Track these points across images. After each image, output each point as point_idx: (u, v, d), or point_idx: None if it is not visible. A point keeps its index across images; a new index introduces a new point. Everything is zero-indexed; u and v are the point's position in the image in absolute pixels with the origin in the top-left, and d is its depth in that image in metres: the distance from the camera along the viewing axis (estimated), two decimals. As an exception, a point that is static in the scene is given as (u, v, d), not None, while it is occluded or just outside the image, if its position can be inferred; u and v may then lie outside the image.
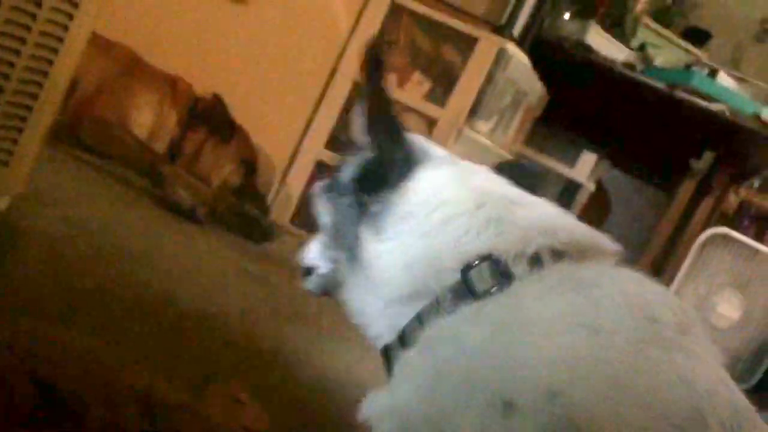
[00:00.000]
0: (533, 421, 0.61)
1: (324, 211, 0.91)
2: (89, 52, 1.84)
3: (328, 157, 2.58)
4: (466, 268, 0.74)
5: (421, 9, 2.51)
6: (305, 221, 2.60)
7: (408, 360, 0.76)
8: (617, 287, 0.70)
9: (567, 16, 3.28)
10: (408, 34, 2.56)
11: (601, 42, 3.04)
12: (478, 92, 2.45)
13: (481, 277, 0.73)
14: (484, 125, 2.57)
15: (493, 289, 0.72)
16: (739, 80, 3.07)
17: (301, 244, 1.05)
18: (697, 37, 4.14)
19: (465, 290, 0.73)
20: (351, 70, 2.56)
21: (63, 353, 1.11)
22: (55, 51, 1.46)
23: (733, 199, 3.56)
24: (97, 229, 1.82)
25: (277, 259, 2.30)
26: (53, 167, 2.09)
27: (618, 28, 3.42)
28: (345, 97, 2.56)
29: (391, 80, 2.56)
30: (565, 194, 3.22)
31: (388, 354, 0.81)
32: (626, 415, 0.59)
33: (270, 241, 2.34)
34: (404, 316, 0.78)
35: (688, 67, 3.01)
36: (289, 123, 2.63)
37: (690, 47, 3.73)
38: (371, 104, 0.83)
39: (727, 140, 2.96)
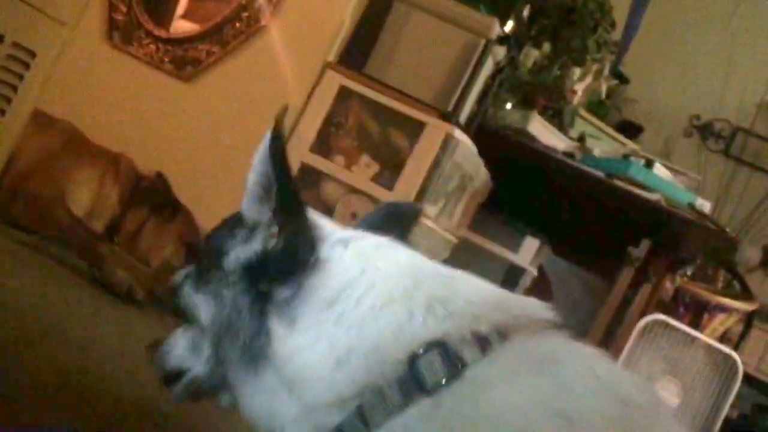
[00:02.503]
0: None
1: (197, 304, 0.80)
2: (29, 128, 1.79)
3: (273, 238, 2.53)
4: (413, 358, 0.65)
5: (370, 93, 2.55)
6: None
7: None
8: (582, 365, 0.65)
9: (509, 105, 3.38)
10: (357, 117, 2.58)
11: (542, 131, 3.14)
12: (425, 176, 2.47)
13: (432, 368, 0.64)
14: (430, 209, 2.58)
15: (445, 380, 0.63)
16: (673, 171, 3.20)
17: (155, 341, 0.92)
18: (630, 130, 4.35)
19: (415, 382, 0.64)
20: (298, 150, 2.56)
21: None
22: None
23: (668, 287, 3.64)
24: (25, 309, 1.72)
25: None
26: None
27: (557, 118, 3.55)
28: (292, 179, 2.55)
29: (339, 162, 2.56)
30: (509, 279, 3.24)
31: None
32: None
33: (210, 325, 2.25)
34: (335, 415, 0.67)
35: (625, 157, 3.12)
36: (233, 204, 2.57)
37: (623, 139, 3.89)
38: (282, 184, 0.76)
39: (664, 229, 3.05)
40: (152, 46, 2.60)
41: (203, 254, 0.83)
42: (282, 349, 0.71)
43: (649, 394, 0.66)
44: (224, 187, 2.59)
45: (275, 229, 0.75)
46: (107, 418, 1.41)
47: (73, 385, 1.47)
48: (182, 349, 0.84)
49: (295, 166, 2.55)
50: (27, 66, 1.40)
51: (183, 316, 0.85)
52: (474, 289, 0.71)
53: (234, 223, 0.81)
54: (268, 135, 0.75)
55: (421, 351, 0.65)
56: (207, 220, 2.49)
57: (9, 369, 1.39)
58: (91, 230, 2.21)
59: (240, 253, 0.77)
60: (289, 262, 0.73)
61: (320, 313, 0.70)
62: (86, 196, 2.27)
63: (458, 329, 0.66)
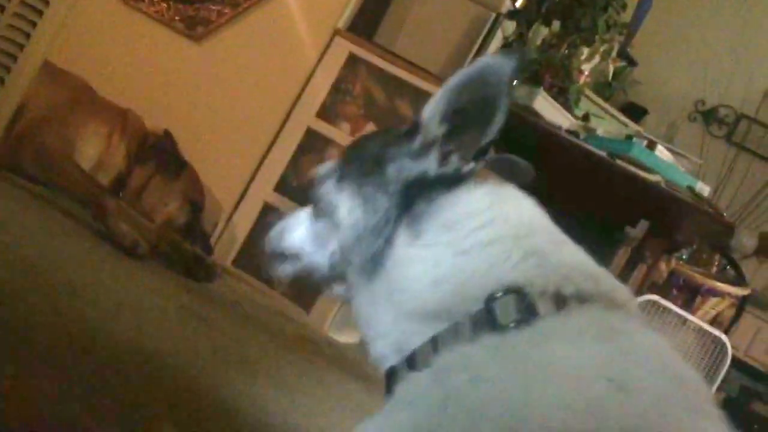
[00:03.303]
0: None
1: (340, 201, 0.81)
2: (39, 79, 1.81)
3: (276, 200, 2.56)
4: (491, 298, 0.68)
5: (378, 62, 2.56)
6: (248, 263, 2.57)
7: (416, 383, 0.69)
8: (647, 339, 0.67)
9: (516, 81, 3.39)
10: (364, 85, 2.60)
11: (547, 108, 3.15)
12: (429, 147, 2.49)
13: (505, 310, 0.67)
14: (432, 180, 2.61)
15: (517, 323, 0.66)
16: (675, 154, 3.21)
17: (274, 218, 0.93)
18: (635, 112, 4.36)
19: (487, 320, 0.68)
20: (305, 115, 2.58)
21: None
22: (6, 69, 1.43)
23: (663, 269, 3.68)
24: (30, 258, 1.75)
25: (218, 300, 2.25)
26: (-9, 192, 2.01)
27: (562, 97, 3.56)
28: (297, 142, 2.57)
29: (344, 129, 2.58)
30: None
31: (392, 376, 0.74)
32: None
33: (211, 281, 2.29)
34: (416, 335, 0.71)
35: (628, 137, 3.13)
36: (239, 163, 2.61)
37: (627, 121, 3.90)
38: (503, 115, 0.72)
39: (662, 211, 3.07)
40: (163, 4, 2.61)
41: (357, 156, 0.82)
42: (399, 257, 0.75)
43: (702, 379, 0.67)
44: (230, 146, 2.62)
45: (467, 154, 0.75)
46: (106, 367, 1.45)
47: (73, 333, 1.50)
48: (304, 236, 0.86)
49: (300, 131, 2.57)
50: (40, 14, 1.41)
51: (315, 206, 0.86)
52: (574, 256, 0.74)
53: (400, 133, 0.80)
54: (507, 59, 0.71)
55: (499, 294, 0.68)
56: (211, 178, 2.52)
57: (12, 315, 1.42)
58: (97, 183, 2.24)
59: (410, 166, 0.77)
60: (438, 181, 0.75)
61: (440, 233, 0.73)
62: (94, 150, 2.29)
63: (543, 283, 0.69)
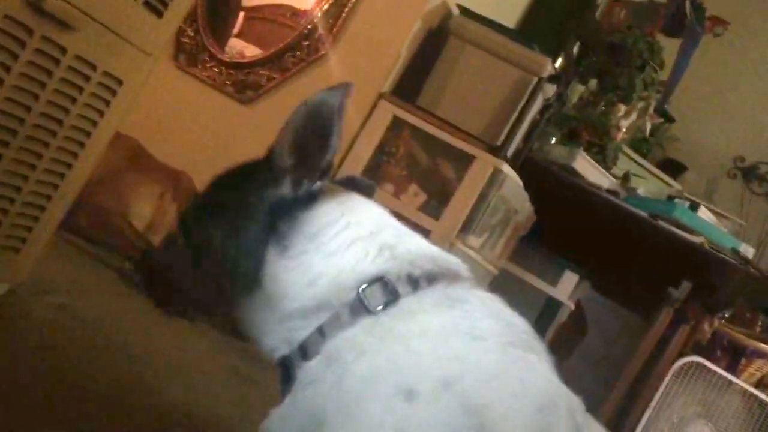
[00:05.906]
0: (433, 406, 0.74)
1: (212, 232, 0.91)
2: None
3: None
4: (361, 289, 0.84)
5: (422, 124, 2.61)
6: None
7: (311, 368, 0.83)
8: (481, 303, 0.86)
9: (553, 140, 3.43)
10: (407, 147, 2.65)
11: (587, 168, 3.17)
12: (471, 208, 2.52)
13: (374, 295, 0.84)
14: (475, 240, 2.63)
15: (384, 306, 0.83)
16: (717, 215, 3.20)
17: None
18: (673, 168, 4.36)
19: (360, 306, 0.83)
20: (350, 177, 2.63)
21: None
22: (81, 145, 1.50)
23: (706, 329, 3.63)
24: (90, 320, 1.80)
25: (267, 361, 2.27)
26: (50, 253, 2.08)
27: (600, 155, 3.58)
28: (342, 204, 2.62)
29: (388, 190, 2.62)
30: (546, 311, 3.26)
31: (287, 365, 0.87)
32: (503, 397, 0.76)
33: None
34: (302, 329, 0.85)
35: (670, 198, 3.13)
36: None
37: (667, 179, 3.90)
38: (336, 140, 0.88)
39: (705, 272, 3.05)
40: (215, 69, 2.70)
41: (222, 191, 0.95)
42: (273, 271, 0.88)
43: (524, 321, 0.86)
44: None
45: (314, 176, 0.89)
46: (159, 428, 1.48)
47: (127, 394, 1.54)
48: (182, 265, 0.97)
49: (345, 191, 2.62)
50: (114, 93, 1.48)
51: (185, 238, 0.97)
52: (416, 244, 0.91)
53: (256, 166, 0.92)
54: (334, 94, 0.87)
55: (366, 283, 0.85)
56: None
57: (68, 374, 1.46)
58: (150, 244, 2.30)
59: (269, 194, 0.89)
60: (294, 202, 0.89)
61: (306, 243, 0.88)
62: (147, 210, 2.36)
63: (398, 270, 0.86)
